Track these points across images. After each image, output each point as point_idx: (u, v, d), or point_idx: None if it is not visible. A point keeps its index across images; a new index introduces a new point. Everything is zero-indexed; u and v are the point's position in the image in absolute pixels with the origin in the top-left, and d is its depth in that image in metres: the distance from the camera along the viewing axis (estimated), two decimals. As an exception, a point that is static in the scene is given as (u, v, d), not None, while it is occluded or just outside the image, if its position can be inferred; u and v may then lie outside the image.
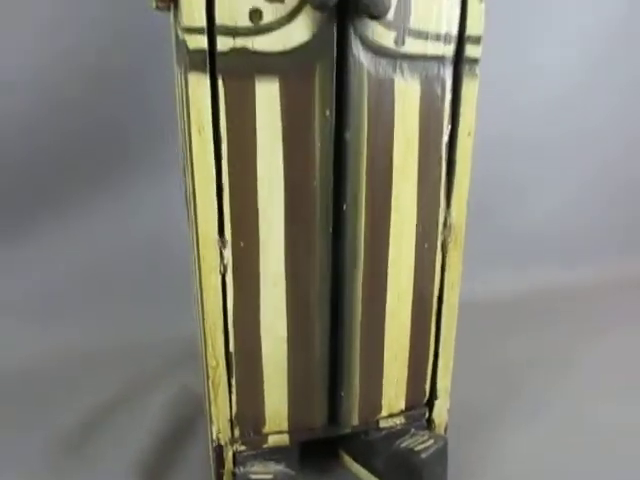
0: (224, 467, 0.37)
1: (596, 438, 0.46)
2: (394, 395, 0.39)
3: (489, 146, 0.76)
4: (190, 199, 0.33)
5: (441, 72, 0.32)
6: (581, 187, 0.90)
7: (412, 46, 0.31)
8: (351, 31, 0.30)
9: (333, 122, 0.31)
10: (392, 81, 0.31)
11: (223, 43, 0.28)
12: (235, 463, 0.37)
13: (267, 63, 0.29)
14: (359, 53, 0.30)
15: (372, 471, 0.40)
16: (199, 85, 0.29)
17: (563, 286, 0.81)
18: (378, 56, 0.31)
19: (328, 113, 0.31)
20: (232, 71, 0.29)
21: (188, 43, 0.28)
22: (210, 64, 0.29)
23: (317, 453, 0.41)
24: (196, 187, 0.31)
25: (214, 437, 0.36)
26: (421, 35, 0.31)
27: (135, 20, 0.62)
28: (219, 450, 0.36)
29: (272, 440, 0.37)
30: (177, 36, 0.32)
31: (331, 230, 0.33)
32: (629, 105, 0.90)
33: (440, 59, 0.32)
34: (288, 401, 0.36)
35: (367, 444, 0.40)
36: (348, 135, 0.31)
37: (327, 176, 0.32)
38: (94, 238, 0.72)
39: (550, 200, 0.89)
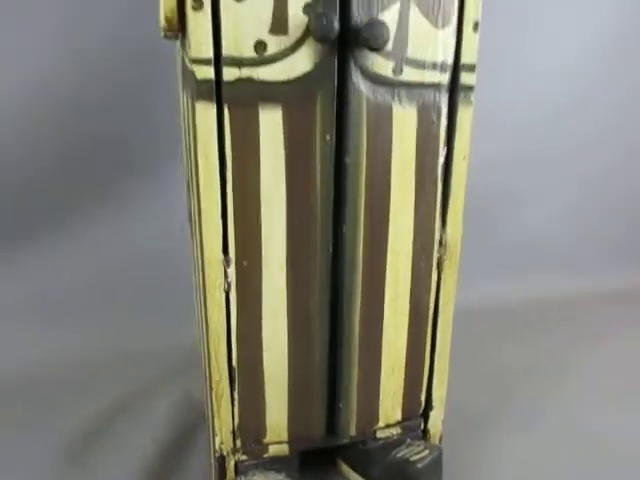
0: (226, 476, 0.38)
1: (591, 446, 0.47)
2: (391, 406, 0.40)
3: (488, 156, 0.77)
4: (195, 219, 0.35)
5: (437, 99, 0.34)
6: (579, 196, 0.92)
7: (409, 75, 0.33)
8: (351, 62, 0.31)
9: (334, 147, 0.32)
10: (390, 108, 0.33)
11: (229, 73, 0.30)
12: (237, 472, 0.38)
13: (271, 92, 0.30)
14: (359, 82, 0.31)
15: (369, 480, 0.41)
16: (206, 113, 0.30)
17: (560, 294, 0.83)
18: (377, 84, 0.32)
19: (329, 138, 0.32)
20: (237, 99, 0.30)
21: (196, 73, 0.29)
22: (216, 93, 0.30)
23: (316, 462, 0.42)
24: (202, 209, 0.32)
25: (217, 447, 0.37)
26: (418, 64, 0.33)
27: (140, 36, 0.63)
28: (221, 460, 0.38)
29: (272, 450, 0.38)
30: (184, 62, 0.33)
31: (331, 250, 0.34)
32: (628, 114, 0.91)
33: (436, 87, 0.34)
34: (288, 412, 0.38)
35: (364, 453, 0.41)
36: (348, 159, 0.33)
37: (327, 198, 0.33)
38: (97, 247, 0.73)
39: (548, 209, 0.90)
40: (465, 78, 0.34)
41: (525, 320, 0.75)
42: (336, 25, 0.29)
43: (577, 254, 0.89)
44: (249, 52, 0.30)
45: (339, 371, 0.37)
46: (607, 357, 0.65)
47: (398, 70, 0.32)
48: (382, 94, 0.32)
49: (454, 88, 0.34)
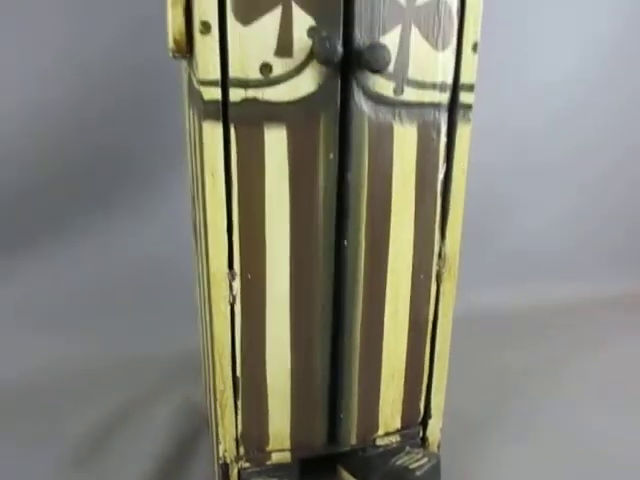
0: (229, 483, 0.39)
1: (591, 453, 0.48)
2: (390, 415, 0.41)
3: (488, 164, 0.78)
4: (201, 232, 0.36)
5: (437, 117, 0.35)
6: (579, 203, 0.92)
7: (410, 95, 0.33)
8: (354, 83, 0.32)
9: (336, 164, 0.33)
10: (391, 126, 0.34)
11: (235, 94, 0.31)
12: (240, 479, 0.39)
13: (276, 112, 0.31)
14: (361, 102, 0.32)
15: (369, 487, 0.42)
16: (213, 132, 0.31)
17: (559, 301, 0.83)
18: (378, 104, 0.33)
19: (332, 156, 0.33)
20: (243, 119, 0.31)
21: (203, 94, 0.30)
22: (223, 113, 0.31)
23: (317, 469, 0.43)
24: (208, 224, 0.33)
25: (220, 455, 0.38)
26: (418, 85, 0.34)
27: (143, 50, 0.64)
28: (225, 468, 0.39)
29: (275, 457, 0.39)
30: (190, 81, 0.34)
31: (333, 263, 0.35)
32: (627, 122, 0.92)
33: (436, 106, 0.35)
34: (290, 421, 0.39)
35: (364, 461, 0.42)
36: (350, 176, 0.34)
37: (330, 213, 0.34)
38: (96, 256, 0.74)
39: (548, 215, 0.91)
40: (464, 97, 0.35)
41: (524, 327, 0.76)
42: (339, 48, 0.30)
43: (577, 260, 0.90)
44: (255, 74, 0.30)
45: (340, 381, 0.38)
46: (607, 363, 0.65)
47: (399, 90, 0.33)
48: (383, 113, 0.33)
49: (453, 107, 0.35)
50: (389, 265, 0.37)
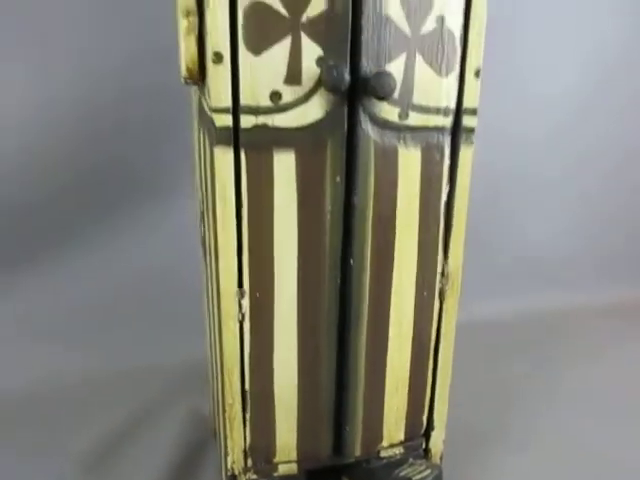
0: (237, 494, 0.40)
1: (593, 463, 0.49)
2: (394, 427, 0.42)
3: (489, 173, 0.79)
4: (211, 253, 0.37)
5: (440, 141, 0.36)
6: (579, 212, 0.93)
7: (414, 119, 0.35)
8: (360, 109, 0.33)
9: (343, 187, 0.34)
10: (396, 150, 0.35)
11: (246, 121, 0.32)
12: (247, 490, 0.40)
13: (284, 137, 0.32)
14: (367, 127, 0.34)
15: (373, 497, 0.43)
16: (224, 157, 0.32)
17: (561, 309, 0.84)
18: (384, 129, 0.34)
19: (338, 179, 0.34)
20: (253, 144, 0.32)
21: (215, 121, 0.31)
22: (234, 138, 0.32)
23: (322, 480, 0.44)
24: (219, 244, 0.34)
25: (229, 467, 0.39)
26: (423, 109, 0.35)
27: (156, 67, 0.65)
28: (233, 479, 0.40)
29: (282, 469, 0.40)
30: (201, 105, 0.35)
31: (339, 282, 0.36)
32: (626, 133, 0.93)
33: (440, 129, 0.36)
34: (297, 434, 0.40)
35: (368, 472, 0.43)
36: (356, 199, 0.35)
37: (336, 235, 0.35)
38: (97, 270, 0.74)
39: (548, 225, 0.92)
40: (467, 121, 0.36)
41: (525, 335, 0.77)
42: (347, 77, 0.31)
43: (577, 269, 0.90)
44: (265, 101, 0.32)
45: (345, 395, 0.39)
46: (608, 371, 0.66)
47: (404, 115, 0.34)
48: (389, 137, 0.34)
49: (456, 130, 0.36)
50: (393, 283, 0.38)
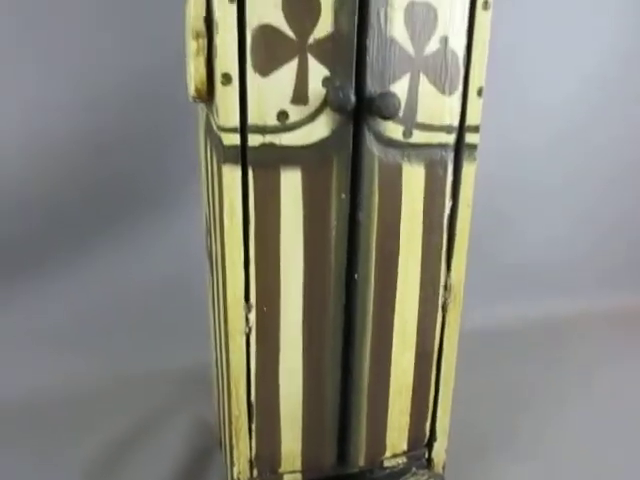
0: (243, 503, 0.41)
1: (597, 472, 0.49)
2: (397, 438, 0.43)
3: (490, 182, 0.80)
4: (218, 267, 0.37)
5: (443, 157, 0.37)
6: (578, 220, 0.94)
7: (418, 137, 0.35)
8: (365, 128, 0.34)
9: (348, 203, 0.35)
10: (400, 167, 0.36)
11: (254, 139, 0.32)
12: (253, 500, 0.41)
13: (291, 155, 0.33)
14: (372, 146, 0.34)
15: (376, 506, 0.44)
16: (232, 175, 0.33)
17: (562, 316, 0.84)
18: (388, 147, 0.35)
19: (344, 196, 0.35)
20: (261, 162, 0.33)
21: (223, 140, 0.32)
22: (242, 157, 0.33)
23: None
24: (226, 259, 0.34)
25: (235, 477, 0.40)
26: (426, 128, 0.35)
27: (163, 81, 0.66)
28: (239, 488, 0.40)
29: (287, 478, 0.41)
30: (209, 122, 0.36)
31: (344, 296, 0.37)
32: (626, 142, 0.94)
33: (443, 146, 0.36)
34: (302, 444, 0.40)
35: (372, 481, 0.44)
36: (361, 214, 0.36)
37: (341, 250, 0.36)
38: (99, 282, 0.75)
39: (549, 232, 0.92)
40: (470, 138, 0.37)
41: (526, 344, 0.77)
42: (352, 97, 0.32)
43: (578, 276, 0.90)
44: (272, 121, 0.32)
45: (349, 406, 0.40)
46: (611, 378, 0.67)
47: (408, 133, 0.35)
48: (393, 155, 0.35)
49: (459, 147, 0.37)
50: (397, 297, 0.38)
